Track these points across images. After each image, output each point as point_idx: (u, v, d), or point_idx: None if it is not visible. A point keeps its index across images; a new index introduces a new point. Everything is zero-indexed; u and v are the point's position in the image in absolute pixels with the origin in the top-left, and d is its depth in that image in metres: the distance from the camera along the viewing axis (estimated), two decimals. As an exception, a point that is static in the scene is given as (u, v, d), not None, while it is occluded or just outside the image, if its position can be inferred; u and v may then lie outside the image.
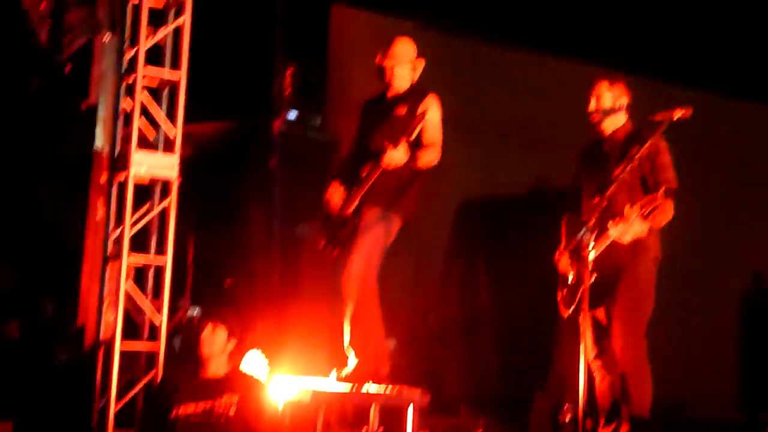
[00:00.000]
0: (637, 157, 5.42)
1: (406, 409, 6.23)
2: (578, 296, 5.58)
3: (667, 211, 5.64)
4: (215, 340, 5.17)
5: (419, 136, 6.13)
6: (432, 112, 6.21)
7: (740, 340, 11.04)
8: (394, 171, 6.07)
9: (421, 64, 6.43)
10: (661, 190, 5.44)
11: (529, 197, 9.50)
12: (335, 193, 6.31)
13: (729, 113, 12.05)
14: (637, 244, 5.68)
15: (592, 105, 6.02)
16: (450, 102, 10.34)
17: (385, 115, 6.32)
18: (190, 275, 7.64)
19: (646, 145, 5.43)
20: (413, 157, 6.10)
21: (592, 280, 5.37)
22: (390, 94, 6.41)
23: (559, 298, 5.96)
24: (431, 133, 6.21)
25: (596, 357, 5.81)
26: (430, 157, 6.21)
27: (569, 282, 5.86)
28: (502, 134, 10.78)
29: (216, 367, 5.16)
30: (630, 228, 5.56)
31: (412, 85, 6.41)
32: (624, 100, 6.00)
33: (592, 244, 5.41)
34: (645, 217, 5.49)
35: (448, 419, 7.75)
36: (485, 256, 9.07)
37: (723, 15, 11.09)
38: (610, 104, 5.94)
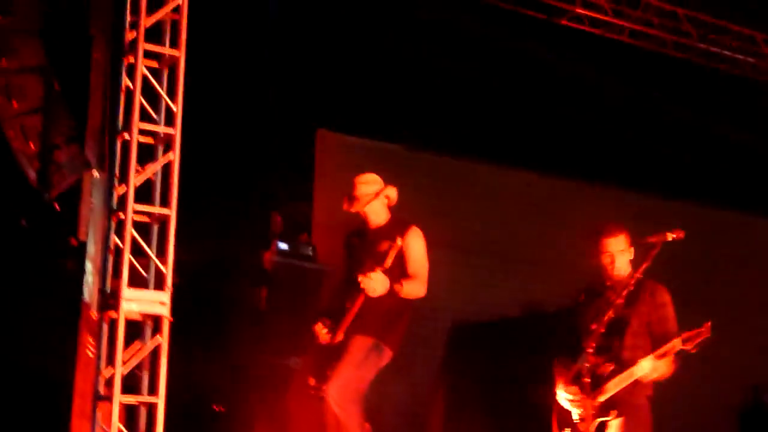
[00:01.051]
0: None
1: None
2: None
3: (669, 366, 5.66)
4: None
5: (404, 267, 6.14)
6: (414, 243, 6.26)
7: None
8: (383, 302, 6.05)
9: (392, 191, 6.48)
10: (681, 338, 5.46)
11: (520, 319, 9.48)
12: (322, 327, 6.29)
13: (719, 224, 12.17)
14: (636, 383, 5.65)
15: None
16: (436, 222, 10.46)
17: (368, 249, 6.35)
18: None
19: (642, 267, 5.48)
20: (397, 288, 6.09)
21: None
22: (371, 227, 6.44)
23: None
24: (415, 264, 6.26)
25: None
26: (415, 288, 6.22)
27: (576, 419, 5.75)
28: (491, 254, 10.82)
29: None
30: (656, 365, 5.54)
31: (392, 217, 6.47)
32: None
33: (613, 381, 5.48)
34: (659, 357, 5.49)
35: None
36: (477, 379, 9.00)
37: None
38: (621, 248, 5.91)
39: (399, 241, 6.14)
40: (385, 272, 6.07)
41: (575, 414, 5.72)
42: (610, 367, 5.64)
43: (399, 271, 6.17)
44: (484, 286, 10.82)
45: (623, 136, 11.37)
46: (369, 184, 6.47)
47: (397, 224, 6.42)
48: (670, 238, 5.51)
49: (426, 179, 10.92)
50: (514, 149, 10.95)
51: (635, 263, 5.76)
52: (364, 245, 6.41)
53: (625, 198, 11.75)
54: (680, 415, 8.79)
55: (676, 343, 5.48)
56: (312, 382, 6.28)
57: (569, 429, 5.76)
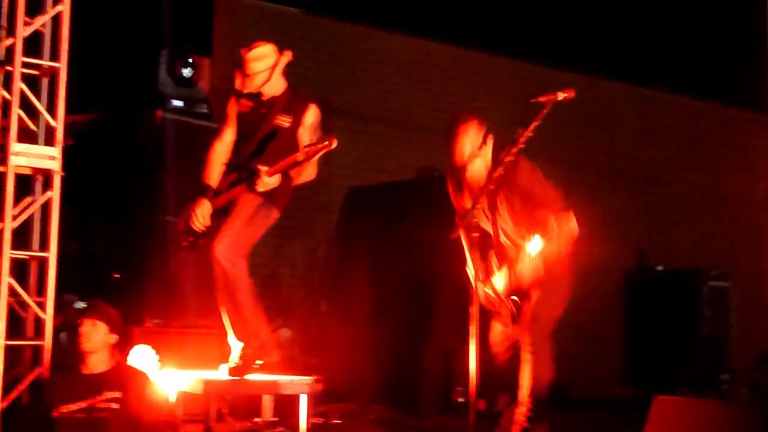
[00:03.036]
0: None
1: (299, 398, 6.22)
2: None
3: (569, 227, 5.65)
4: (94, 335, 5.05)
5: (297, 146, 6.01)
6: (310, 119, 6.03)
7: (624, 317, 11.31)
8: None
9: (287, 58, 6.10)
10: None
11: (412, 183, 9.56)
12: (204, 210, 6.14)
13: (605, 93, 12.42)
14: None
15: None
16: (334, 89, 10.47)
17: (264, 118, 6.08)
18: (76, 269, 7.49)
19: (531, 126, 5.51)
20: (293, 177, 6.02)
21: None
22: (265, 97, 6.12)
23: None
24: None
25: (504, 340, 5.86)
26: (306, 173, 6.07)
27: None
28: (383, 121, 10.89)
29: (96, 362, 5.05)
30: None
31: (289, 88, 6.13)
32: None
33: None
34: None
35: (340, 406, 7.78)
36: (372, 241, 9.11)
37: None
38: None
39: (300, 156, 5.93)
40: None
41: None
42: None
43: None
44: (381, 154, 10.91)
45: (522, 3, 11.42)
46: (261, 59, 6.03)
47: (296, 99, 6.10)
48: (560, 98, 5.50)
49: (325, 45, 10.87)
50: (413, 16, 10.91)
51: (527, 123, 5.74)
52: (258, 113, 6.09)
53: (522, 69, 11.88)
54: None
55: (298, 156, 5.67)
56: (189, 238, 6.23)
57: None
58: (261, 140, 6.08)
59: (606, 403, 8.14)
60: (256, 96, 6.13)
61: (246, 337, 6.15)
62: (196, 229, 6.09)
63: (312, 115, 6.10)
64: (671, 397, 5.10)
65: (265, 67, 6.03)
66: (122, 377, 5.06)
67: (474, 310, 5.12)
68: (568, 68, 11.27)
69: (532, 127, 5.61)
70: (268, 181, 5.89)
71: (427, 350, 8.39)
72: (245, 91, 6.06)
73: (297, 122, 6.05)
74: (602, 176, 12.26)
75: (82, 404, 4.91)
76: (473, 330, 5.11)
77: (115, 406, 4.91)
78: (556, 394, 5.90)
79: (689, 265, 11.31)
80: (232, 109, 6.19)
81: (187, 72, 7.67)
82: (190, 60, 7.71)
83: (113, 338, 5.08)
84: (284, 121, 6.06)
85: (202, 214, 6.05)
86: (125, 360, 5.69)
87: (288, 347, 8.55)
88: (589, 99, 11.84)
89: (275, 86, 6.10)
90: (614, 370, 11.09)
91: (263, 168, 5.88)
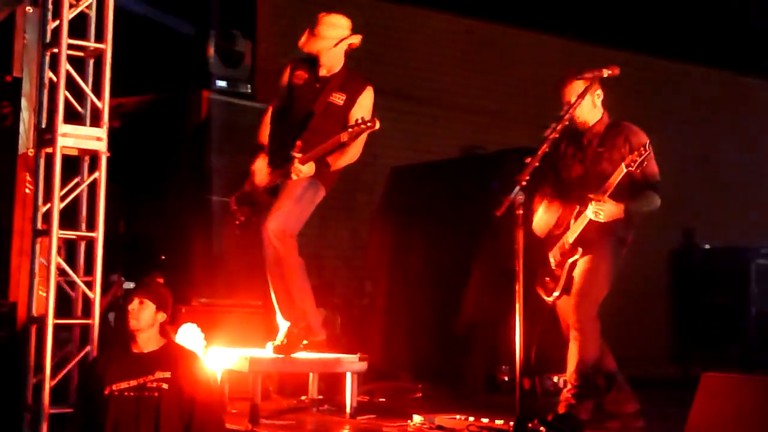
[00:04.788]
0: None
1: (345, 376, 6.25)
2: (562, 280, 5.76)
3: (652, 201, 5.78)
4: (142, 315, 5.09)
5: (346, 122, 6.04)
6: (366, 105, 6.09)
7: (672, 296, 11.24)
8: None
9: (357, 39, 6.21)
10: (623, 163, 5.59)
11: (456, 162, 9.54)
12: (261, 167, 6.22)
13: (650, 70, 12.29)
14: (596, 224, 5.72)
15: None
16: (377, 68, 10.44)
17: (318, 93, 6.16)
18: (123, 250, 7.56)
19: (576, 103, 5.52)
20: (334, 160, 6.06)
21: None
22: (322, 68, 6.23)
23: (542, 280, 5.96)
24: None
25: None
26: (351, 154, 6.10)
27: (552, 266, 5.89)
28: (426, 100, 10.85)
29: (146, 341, 5.10)
30: (598, 208, 5.63)
31: (346, 68, 6.21)
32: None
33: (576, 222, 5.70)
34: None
35: (386, 384, 7.79)
36: (416, 220, 9.09)
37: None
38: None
39: (344, 136, 5.91)
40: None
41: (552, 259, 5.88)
42: (577, 209, 5.76)
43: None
44: (425, 134, 10.88)
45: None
46: (335, 27, 6.13)
47: (352, 79, 6.16)
48: (605, 74, 5.53)
49: (368, 25, 10.83)
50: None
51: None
52: (311, 87, 6.18)
53: (568, 47, 11.78)
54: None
55: (619, 172, 5.58)
56: (241, 217, 6.31)
57: (548, 276, 5.89)
58: (310, 115, 6.11)
59: (654, 383, 8.09)
60: (312, 69, 6.20)
61: (293, 316, 6.19)
62: (257, 184, 6.15)
63: (368, 96, 6.14)
64: (720, 374, 5.06)
65: (335, 36, 6.13)
66: (173, 357, 5.08)
67: (518, 288, 5.11)
68: (613, 45, 11.16)
69: (576, 104, 5.62)
70: (302, 168, 5.93)
71: (460, 323, 8.37)
72: (305, 49, 6.15)
73: (351, 102, 6.09)
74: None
75: (133, 382, 4.95)
76: (518, 308, 5.11)
77: (165, 386, 4.94)
78: (605, 374, 5.89)
79: (737, 244, 11.20)
80: (286, 77, 6.25)
81: (231, 53, 7.70)
82: (235, 41, 7.74)
83: (162, 317, 5.11)
84: (338, 99, 6.11)
85: (259, 170, 6.15)
86: (175, 339, 5.73)
87: (328, 327, 8.60)
88: (633, 76, 11.73)
89: (334, 60, 6.18)
90: (662, 349, 11.02)
91: (297, 155, 5.92)
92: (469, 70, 11.33)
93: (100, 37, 6.09)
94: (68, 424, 5.40)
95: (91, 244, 6.04)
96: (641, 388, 6.19)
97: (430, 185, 9.14)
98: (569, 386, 5.74)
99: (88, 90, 6.08)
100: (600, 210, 5.63)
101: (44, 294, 5.83)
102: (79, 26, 6.10)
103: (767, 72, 13.10)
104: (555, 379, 7.74)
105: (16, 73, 6.49)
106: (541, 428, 5.33)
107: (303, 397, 6.83)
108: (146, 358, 5.05)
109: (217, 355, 6.31)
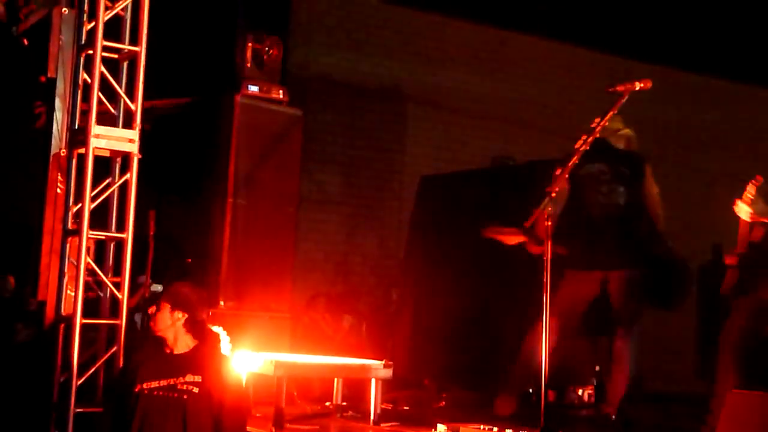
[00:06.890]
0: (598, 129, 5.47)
1: (369, 383, 6.25)
2: None
3: None
4: (159, 317, 5.10)
5: None
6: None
7: (700, 312, 11.15)
8: None
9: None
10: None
11: (486, 172, 9.52)
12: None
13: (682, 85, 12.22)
14: None
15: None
16: (409, 78, 10.46)
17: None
18: (152, 251, 7.58)
19: (608, 116, 5.50)
20: None
21: None
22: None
23: None
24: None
25: None
26: None
27: None
28: (457, 110, 10.85)
29: (175, 343, 5.11)
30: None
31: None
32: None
33: None
34: None
35: (411, 392, 7.79)
36: (445, 229, 9.07)
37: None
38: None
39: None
40: None
41: None
42: None
43: None
44: (455, 143, 10.87)
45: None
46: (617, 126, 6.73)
47: (636, 156, 6.87)
48: (637, 87, 5.50)
49: (400, 34, 10.87)
50: (489, 5, 10.86)
51: (603, 112, 5.71)
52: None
53: (600, 59, 11.76)
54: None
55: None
56: None
57: None
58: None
59: (680, 398, 8.05)
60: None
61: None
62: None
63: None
64: (746, 391, 5.03)
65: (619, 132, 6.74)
66: (205, 360, 5.09)
67: (545, 299, 5.10)
68: (646, 59, 11.13)
69: (608, 116, 5.60)
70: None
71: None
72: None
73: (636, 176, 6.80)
74: (677, 170, 12.08)
75: (163, 382, 4.97)
76: (545, 319, 5.09)
77: (195, 390, 4.95)
78: (630, 388, 5.88)
79: (765, 261, 11.10)
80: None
81: (265, 58, 7.72)
82: (267, 46, 7.76)
83: (180, 315, 5.09)
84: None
85: None
86: (206, 342, 5.72)
87: (353, 334, 8.61)
88: (665, 91, 11.68)
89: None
90: (689, 364, 10.94)
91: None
92: (499, 80, 11.34)
93: (134, 40, 6.13)
94: (96, 419, 5.43)
95: (120, 244, 6.08)
96: (666, 402, 6.18)
97: (461, 195, 9.12)
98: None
99: (121, 92, 6.12)
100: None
101: (73, 293, 5.87)
102: (114, 28, 6.15)
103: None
104: (579, 392, 7.71)
105: (51, 74, 6.53)
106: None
107: (327, 403, 6.84)
108: (178, 359, 5.07)
109: (243, 359, 6.32)
